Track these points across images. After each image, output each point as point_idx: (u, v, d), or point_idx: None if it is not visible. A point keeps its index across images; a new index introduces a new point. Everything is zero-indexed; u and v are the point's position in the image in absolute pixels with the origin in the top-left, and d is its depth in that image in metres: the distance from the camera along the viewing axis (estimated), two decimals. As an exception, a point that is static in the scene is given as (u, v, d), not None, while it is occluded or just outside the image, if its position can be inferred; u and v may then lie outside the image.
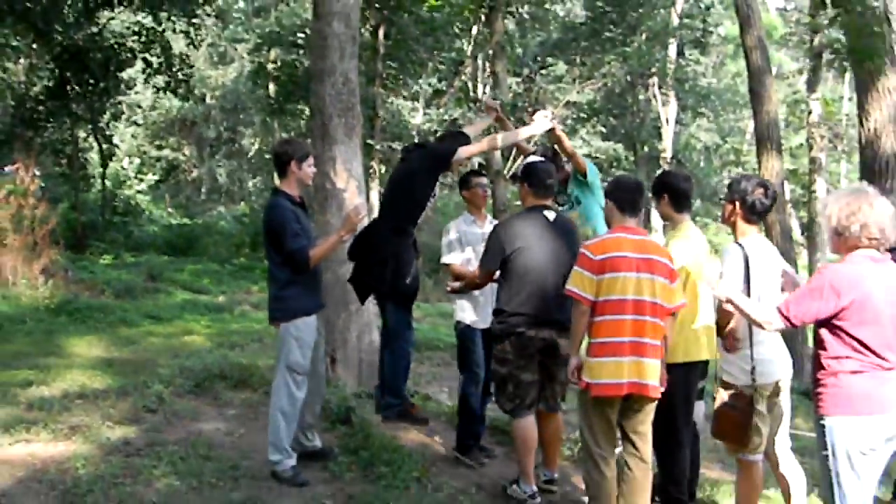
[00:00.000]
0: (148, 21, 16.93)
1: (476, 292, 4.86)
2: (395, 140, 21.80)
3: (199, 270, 15.00)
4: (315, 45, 6.21)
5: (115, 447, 4.62)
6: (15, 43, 16.08)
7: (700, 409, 4.62)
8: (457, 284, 4.73)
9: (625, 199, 3.89)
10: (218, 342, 8.56)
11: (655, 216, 17.14)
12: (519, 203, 4.52)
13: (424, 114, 22.08)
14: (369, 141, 16.41)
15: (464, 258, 5.00)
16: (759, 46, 9.59)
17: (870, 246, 3.22)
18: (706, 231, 24.68)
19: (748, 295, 3.72)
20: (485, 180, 5.17)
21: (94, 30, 16.12)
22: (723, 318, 3.81)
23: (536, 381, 4.29)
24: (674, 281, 3.85)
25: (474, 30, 20.23)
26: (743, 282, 3.76)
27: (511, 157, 18.92)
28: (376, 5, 15.80)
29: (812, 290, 3.21)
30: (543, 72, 24.48)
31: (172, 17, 16.51)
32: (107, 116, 18.27)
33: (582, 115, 25.15)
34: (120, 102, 18.87)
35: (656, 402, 3.82)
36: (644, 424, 3.84)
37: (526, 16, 21.50)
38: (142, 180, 22.35)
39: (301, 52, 17.76)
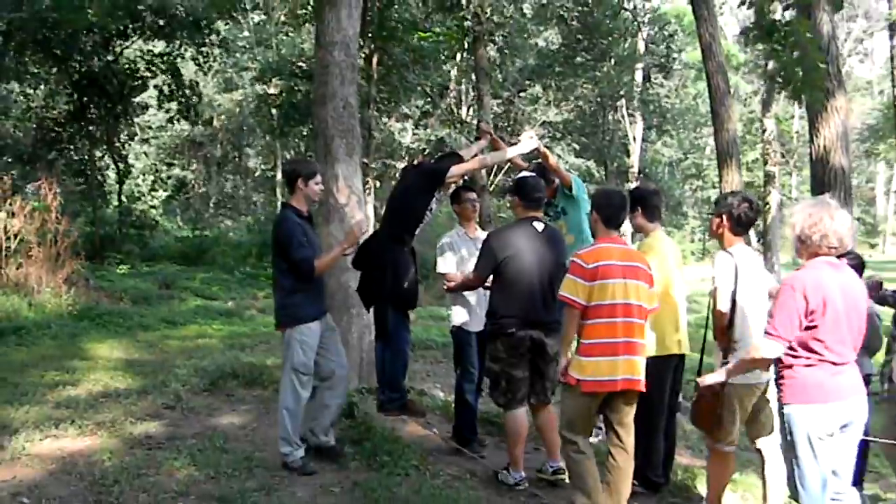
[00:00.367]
0: (160, 47, 16.88)
1: (471, 299, 4.92)
2: (388, 158, 21.83)
3: (210, 278, 14.90)
4: (317, 71, 6.21)
5: (138, 441, 4.63)
6: (36, 70, 15.99)
7: (680, 403, 4.65)
8: (453, 283, 4.75)
9: (611, 214, 3.92)
10: (229, 344, 8.52)
11: (626, 224, 17.17)
12: (502, 215, 4.56)
13: (413, 134, 22.09)
14: (364, 159, 16.40)
15: (455, 260, 5.03)
16: (720, 71, 9.61)
17: (829, 253, 3.27)
18: (672, 236, 24.81)
19: (735, 299, 3.74)
20: (474, 195, 5.20)
21: (111, 58, 16.07)
22: (718, 321, 3.83)
23: (527, 377, 4.31)
24: (653, 285, 3.92)
25: (459, 57, 20.36)
26: (732, 284, 3.77)
27: (492, 173, 19.02)
28: (370, 35, 15.86)
29: (784, 300, 3.23)
30: (522, 94, 24.59)
31: (184, 45, 16.48)
32: (122, 137, 18.19)
33: (557, 133, 25.28)
34: (134, 125, 18.78)
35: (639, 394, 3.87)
36: (629, 416, 3.89)
37: (505, 44, 21.63)
38: (155, 196, 22.21)
39: (301, 80, 17.79)
